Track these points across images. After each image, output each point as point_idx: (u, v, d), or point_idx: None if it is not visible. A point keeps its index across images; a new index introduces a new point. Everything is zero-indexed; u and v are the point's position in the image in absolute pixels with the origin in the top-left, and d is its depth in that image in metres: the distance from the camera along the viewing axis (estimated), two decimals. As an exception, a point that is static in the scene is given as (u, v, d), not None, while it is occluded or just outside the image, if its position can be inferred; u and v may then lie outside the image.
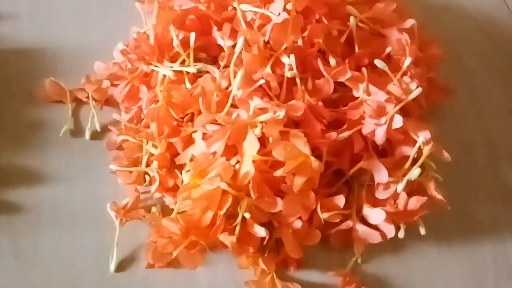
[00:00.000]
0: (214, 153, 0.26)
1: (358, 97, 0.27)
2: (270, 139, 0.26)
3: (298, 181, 0.25)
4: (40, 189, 0.29)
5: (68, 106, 0.32)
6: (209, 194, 0.25)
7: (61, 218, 0.28)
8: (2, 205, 0.29)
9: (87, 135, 0.31)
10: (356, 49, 0.30)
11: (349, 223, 0.27)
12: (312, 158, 0.25)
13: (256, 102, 0.26)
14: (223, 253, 0.27)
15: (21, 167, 0.30)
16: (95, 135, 0.32)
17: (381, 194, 0.27)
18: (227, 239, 0.24)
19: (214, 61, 0.31)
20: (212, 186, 0.24)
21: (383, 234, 0.26)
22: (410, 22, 0.30)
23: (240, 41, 0.26)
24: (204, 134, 0.27)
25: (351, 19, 0.30)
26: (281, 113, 0.25)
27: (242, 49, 0.27)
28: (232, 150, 0.27)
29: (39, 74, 0.34)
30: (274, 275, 0.26)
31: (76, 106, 0.33)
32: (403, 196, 0.27)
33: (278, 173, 0.25)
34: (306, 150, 0.24)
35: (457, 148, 0.30)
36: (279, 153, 0.24)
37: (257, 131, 0.24)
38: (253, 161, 0.25)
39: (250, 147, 0.25)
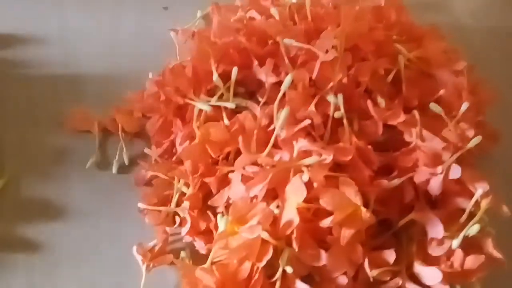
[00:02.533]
0: (253, 197, 0.24)
1: (408, 142, 0.26)
2: (315, 184, 0.24)
3: (346, 233, 0.23)
4: (61, 225, 0.28)
5: (96, 136, 0.31)
6: (248, 244, 0.23)
7: (82, 259, 0.26)
8: (20, 242, 0.27)
9: (114, 169, 0.30)
10: (404, 90, 0.29)
11: (398, 281, 0.24)
12: (363, 209, 0.23)
13: (301, 144, 0.24)
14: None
15: (42, 201, 0.28)
16: (123, 169, 0.30)
17: (434, 251, 0.24)
18: (268, 296, 0.22)
19: (251, 96, 0.30)
20: (252, 235, 0.22)
21: (436, 296, 0.24)
22: (462, 64, 0.28)
23: (288, 79, 0.24)
24: (242, 175, 0.25)
25: (400, 57, 0.28)
26: (328, 158, 0.24)
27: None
28: (272, 193, 0.25)
29: (66, 101, 0.33)
30: (315, 336, 0.24)
31: (103, 136, 0.31)
32: (459, 253, 0.24)
33: (326, 223, 0.23)
34: (357, 200, 0.22)
35: (508, 199, 0.28)
36: (327, 202, 0.22)
37: (305, 177, 0.22)
38: (297, 209, 0.23)
39: (296, 193, 0.23)
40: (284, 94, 0.26)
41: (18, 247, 0.27)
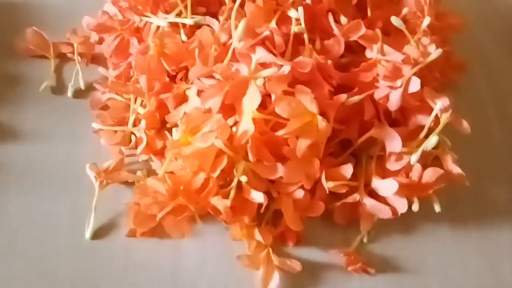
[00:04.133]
0: (209, 110, 0.23)
1: (370, 58, 0.25)
2: (273, 97, 0.23)
3: (302, 144, 0.22)
4: (13, 146, 0.26)
5: (51, 61, 0.29)
6: (202, 153, 0.22)
7: (34, 179, 0.25)
8: (-32, 162, 0.26)
9: (70, 93, 0.28)
10: (369, 13, 0.28)
11: (356, 196, 0.24)
12: (319, 118, 0.22)
13: (259, 55, 0.23)
14: (213, 224, 0.24)
15: (-6, 123, 0.28)
16: (79, 93, 0.29)
17: (392, 165, 0.24)
18: (220, 203, 0.21)
19: (213, 17, 0.29)
20: (205, 144, 0.22)
21: (393, 210, 0.24)
22: (427, -18, 0.28)
23: (243, -14, 0.24)
24: (199, 91, 0.24)
25: (365, -22, 0.28)
26: (286, 68, 0.23)
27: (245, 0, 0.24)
28: (230, 110, 0.24)
29: (22, 27, 0.31)
30: (271, 250, 0.23)
31: (60, 62, 0.30)
32: (417, 167, 0.24)
33: (281, 132, 0.22)
34: (313, 108, 0.22)
35: (471, 125, 0.28)
36: (282, 109, 0.22)
37: (260, 81, 0.22)
38: (253, 119, 0.22)
39: (251, 101, 0.22)
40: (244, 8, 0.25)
41: (-35, 167, 0.26)
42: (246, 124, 0.22)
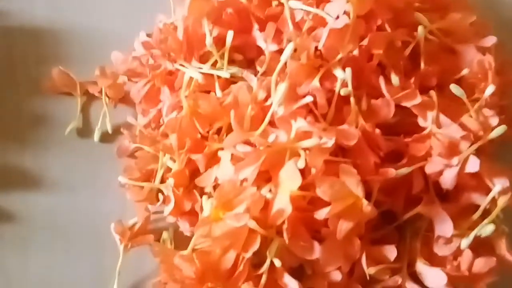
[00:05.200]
0: (243, 180, 0.22)
1: (422, 127, 0.23)
2: (313, 169, 0.21)
3: (344, 226, 0.20)
4: (36, 196, 0.25)
5: (78, 100, 0.28)
6: (234, 232, 0.20)
7: (58, 234, 0.25)
8: (-8, 211, 0.25)
9: (96, 137, 0.27)
10: (422, 66, 0.25)
11: (398, 280, 0.22)
12: (365, 202, 0.20)
13: (300, 123, 0.21)
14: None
15: (17, 168, 0.26)
16: (105, 137, 0.27)
17: (441, 250, 0.22)
18: (252, 290, 0.20)
19: (250, 65, 0.27)
20: (238, 224, 0.20)
21: (439, 299, 0.22)
22: (491, 40, 0.25)
23: (288, 48, 0.21)
24: (233, 154, 0.22)
25: (420, 29, 0.25)
26: (329, 141, 0.21)
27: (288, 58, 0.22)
28: (264, 175, 0.22)
29: (48, 60, 0.30)
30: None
31: (86, 100, 0.28)
32: (467, 254, 0.22)
33: (321, 215, 0.20)
34: (358, 191, 0.20)
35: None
36: (324, 192, 0.20)
37: (301, 163, 0.20)
38: (291, 196, 0.21)
39: (290, 180, 0.20)
40: (285, 65, 0.23)
41: (-11, 217, 0.25)
42: (283, 202, 0.20)
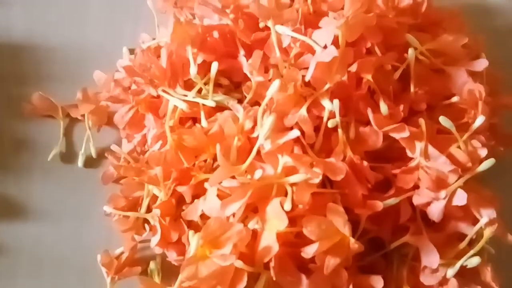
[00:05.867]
0: (230, 217, 0.21)
1: (412, 158, 0.22)
2: (300, 206, 0.21)
3: (331, 262, 0.20)
4: (19, 225, 0.25)
5: (60, 123, 0.27)
6: (220, 271, 0.20)
7: (44, 264, 0.24)
8: (-25, 243, 0.25)
9: (80, 162, 0.26)
10: (412, 89, 0.25)
11: (384, 310, 0.22)
12: (352, 240, 0.20)
13: (287, 159, 0.21)
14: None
15: (0, 196, 0.26)
16: (90, 162, 0.27)
17: (427, 279, 0.22)
18: (239, 330, 0.20)
19: (237, 87, 0.26)
20: (225, 263, 0.20)
21: (424, 328, 0.22)
22: (482, 64, 0.24)
23: (275, 84, 0.21)
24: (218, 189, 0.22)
25: (410, 51, 0.24)
26: (316, 179, 0.20)
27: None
28: (251, 206, 0.22)
29: (28, 80, 0.29)
30: None
31: (69, 123, 0.27)
32: (453, 283, 0.22)
33: (309, 253, 0.20)
34: (346, 231, 0.20)
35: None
36: (311, 232, 0.19)
37: (287, 205, 0.19)
38: (277, 234, 0.20)
39: (277, 219, 0.20)
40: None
41: (-28, 249, 0.25)
42: (269, 240, 0.20)
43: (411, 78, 0.25)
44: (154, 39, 0.28)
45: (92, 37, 0.30)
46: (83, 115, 0.27)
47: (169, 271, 0.24)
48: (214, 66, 0.22)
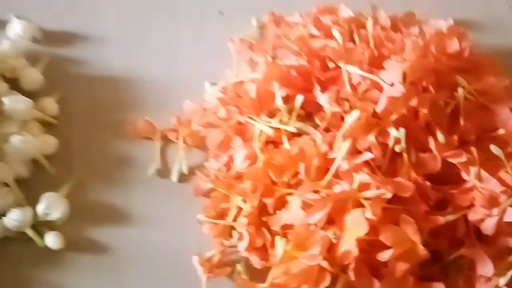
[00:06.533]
0: (312, 225, 0.25)
1: (467, 181, 0.26)
2: (373, 217, 0.24)
3: (402, 267, 0.23)
4: (125, 229, 0.29)
5: (157, 144, 0.32)
6: (307, 270, 0.24)
7: (146, 263, 0.28)
8: (88, 243, 0.28)
9: (174, 178, 0.30)
10: (461, 122, 0.28)
11: (444, 313, 0.25)
12: (421, 247, 0.23)
13: (362, 176, 0.24)
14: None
15: (107, 204, 0.30)
16: (182, 177, 0.31)
17: (482, 287, 0.25)
18: (324, 321, 0.23)
19: (308, 117, 0.30)
20: (312, 263, 0.23)
21: (480, 329, 0.25)
22: (523, 103, 0.28)
23: (354, 114, 0.25)
24: (302, 201, 0.26)
25: (459, 90, 0.28)
26: (388, 194, 0.24)
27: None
28: (328, 219, 0.26)
29: (127, 106, 0.33)
30: None
31: (163, 143, 0.32)
32: (505, 290, 0.25)
33: (384, 257, 0.23)
34: (416, 238, 0.23)
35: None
36: (387, 238, 0.23)
37: (368, 214, 0.23)
38: (356, 240, 0.24)
39: (357, 227, 0.23)
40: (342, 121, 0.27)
41: (86, 248, 0.28)
42: (350, 245, 0.24)
43: (461, 113, 0.28)
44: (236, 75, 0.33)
45: (179, 73, 0.35)
46: (177, 138, 0.31)
47: (252, 273, 0.27)
48: (299, 98, 0.27)
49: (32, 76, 0.33)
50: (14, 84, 0.33)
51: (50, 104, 0.32)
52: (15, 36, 0.35)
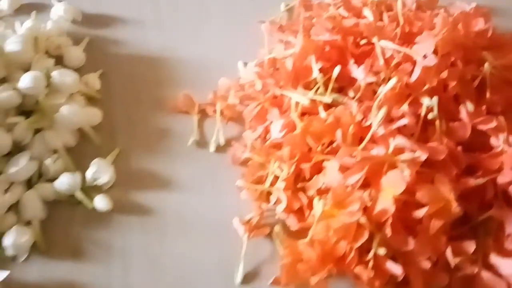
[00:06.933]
0: (349, 186, 0.26)
1: (496, 146, 0.27)
2: (408, 178, 0.26)
3: (436, 224, 0.25)
4: (168, 194, 0.30)
5: (195, 117, 0.33)
6: (347, 226, 0.25)
7: (189, 226, 0.29)
8: (134, 206, 0.30)
9: (212, 148, 0.32)
10: (488, 95, 0.30)
11: (474, 269, 0.26)
12: (454, 204, 0.24)
13: (398, 141, 0.26)
14: (344, 282, 0.27)
15: (150, 172, 0.31)
16: (219, 148, 0.32)
17: (510, 245, 0.26)
18: (364, 273, 0.24)
19: (340, 91, 0.31)
20: (352, 220, 0.24)
21: (508, 284, 0.26)
22: (546, 76, 0.29)
23: (392, 82, 0.26)
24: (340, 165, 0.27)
25: (486, 65, 0.29)
26: (423, 156, 0.25)
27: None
28: (364, 182, 0.27)
29: (164, 83, 0.35)
30: (396, 311, 0.26)
31: (201, 117, 0.33)
32: (533, 249, 0.26)
33: (419, 215, 0.24)
34: (451, 196, 0.24)
35: None
36: (423, 196, 0.24)
37: (407, 172, 0.24)
38: (393, 199, 0.25)
39: (395, 186, 0.24)
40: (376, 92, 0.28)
41: (132, 211, 0.29)
42: (387, 204, 0.25)
43: (487, 86, 0.30)
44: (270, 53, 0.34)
45: (212, 53, 0.36)
46: (214, 111, 0.33)
47: (288, 235, 0.28)
48: (336, 70, 0.28)
49: (75, 54, 0.35)
50: (59, 61, 0.35)
51: (93, 80, 0.34)
52: (58, 18, 0.37)
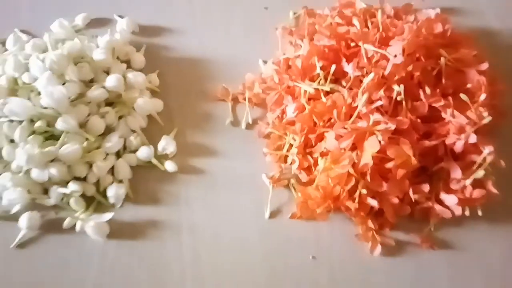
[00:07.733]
0: (342, 149, 0.37)
1: (443, 117, 0.37)
2: (382, 142, 0.36)
3: (401, 172, 0.35)
4: (214, 160, 0.41)
5: (229, 104, 0.44)
6: (341, 175, 0.36)
7: (230, 181, 0.40)
8: (192, 169, 0.41)
9: (243, 126, 0.43)
10: (443, 81, 0.40)
11: (429, 203, 0.37)
12: (413, 158, 0.35)
13: (376, 116, 0.36)
14: (340, 215, 0.38)
15: (200, 144, 0.42)
16: (248, 126, 0.43)
17: (454, 186, 0.37)
18: (352, 205, 0.35)
19: (336, 81, 0.42)
20: (343, 170, 0.35)
21: (452, 213, 0.37)
22: (484, 66, 0.39)
23: (371, 76, 0.36)
24: (335, 134, 0.37)
25: (442, 59, 0.39)
26: (392, 126, 0.36)
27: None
28: (352, 146, 0.38)
29: (206, 79, 0.46)
30: (375, 232, 0.37)
31: (234, 104, 0.44)
32: (469, 188, 0.36)
33: (389, 166, 0.35)
34: (410, 152, 0.35)
35: (508, 160, 0.39)
36: (391, 153, 0.35)
37: (380, 137, 0.35)
38: (372, 156, 0.35)
39: (372, 146, 0.35)
40: (361, 82, 0.38)
41: (191, 172, 0.41)
42: (367, 159, 0.35)
43: (443, 74, 0.40)
44: (284, 54, 0.44)
45: (238, 54, 0.47)
46: (243, 99, 0.43)
47: (300, 185, 0.39)
48: (333, 67, 0.38)
49: (139, 59, 0.45)
50: (128, 65, 0.45)
51: (154, 78, 0.45)
52: (121, 30, 0.47)
